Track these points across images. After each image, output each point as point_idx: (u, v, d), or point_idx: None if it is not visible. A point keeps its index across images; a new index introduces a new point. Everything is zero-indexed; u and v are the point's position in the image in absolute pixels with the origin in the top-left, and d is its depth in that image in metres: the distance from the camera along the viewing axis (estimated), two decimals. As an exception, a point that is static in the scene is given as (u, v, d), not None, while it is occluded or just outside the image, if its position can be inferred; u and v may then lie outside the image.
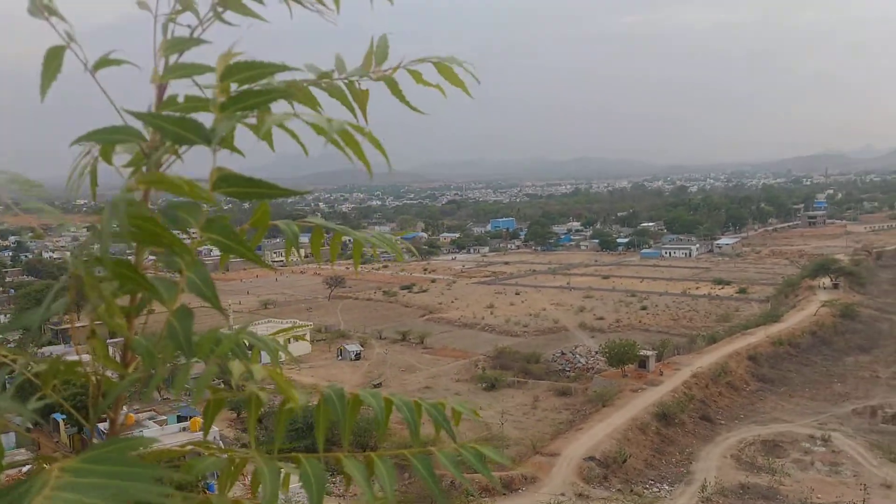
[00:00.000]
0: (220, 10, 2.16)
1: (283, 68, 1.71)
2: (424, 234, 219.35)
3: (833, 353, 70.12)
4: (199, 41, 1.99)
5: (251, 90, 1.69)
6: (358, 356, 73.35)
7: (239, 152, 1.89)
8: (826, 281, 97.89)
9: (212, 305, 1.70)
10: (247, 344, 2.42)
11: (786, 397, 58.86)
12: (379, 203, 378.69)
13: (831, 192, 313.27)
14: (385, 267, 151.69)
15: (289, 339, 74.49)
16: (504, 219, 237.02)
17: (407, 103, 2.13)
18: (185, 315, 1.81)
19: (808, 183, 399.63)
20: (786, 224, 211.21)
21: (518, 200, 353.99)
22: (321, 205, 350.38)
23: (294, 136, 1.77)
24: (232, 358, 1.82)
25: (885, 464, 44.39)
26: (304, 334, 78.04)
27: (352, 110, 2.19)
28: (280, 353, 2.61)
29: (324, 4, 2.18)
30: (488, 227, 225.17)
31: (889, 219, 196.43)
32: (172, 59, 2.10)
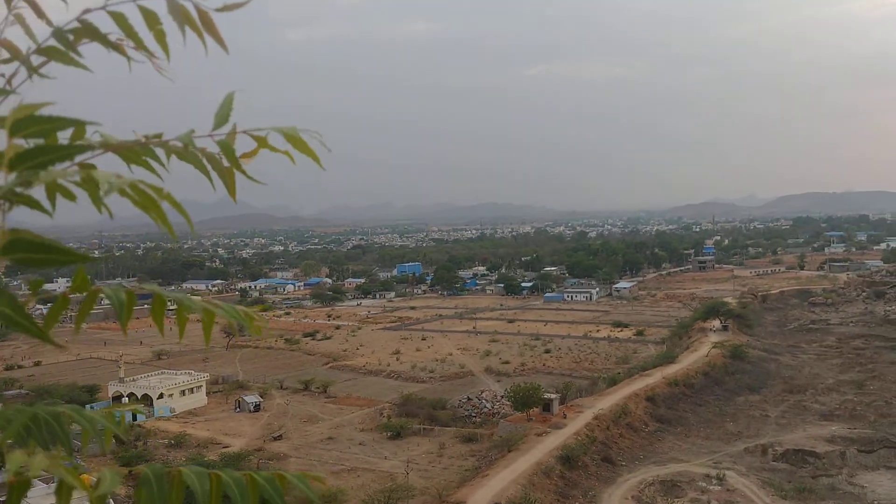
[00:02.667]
0: (37, 60, 1.92)
1: (75, 123, 1.54)
2: (329, 280, 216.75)
3: (725, 393, 73.02)
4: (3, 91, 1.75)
5: (44, 146, 1.50)
6: (257, 407, 70.90)
7: (43, 210, 1.68)
8: (716, 323, 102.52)
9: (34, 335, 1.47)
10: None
11: (682, 437, 60.66)
12: (281, 248, 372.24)
13: (719, 238, 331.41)
14: (287, 314, 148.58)
15: (182, 392, 71.12)
16: (410, 263, 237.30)
17: (243, 172, 1.96)
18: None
19: (698, 230, 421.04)
20: (678, 268, 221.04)
21: (424, 245, 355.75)
22: (220, 251, 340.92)
23: (95, 197, 1.55)
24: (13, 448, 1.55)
25: (777, 501, 46.16)
26: (200, 386, 74.99)
27: (206, 173, 1.97)
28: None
29: (153, 55, 1.98)
30: (394, 272, 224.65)
31: (772, 263, 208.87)
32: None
